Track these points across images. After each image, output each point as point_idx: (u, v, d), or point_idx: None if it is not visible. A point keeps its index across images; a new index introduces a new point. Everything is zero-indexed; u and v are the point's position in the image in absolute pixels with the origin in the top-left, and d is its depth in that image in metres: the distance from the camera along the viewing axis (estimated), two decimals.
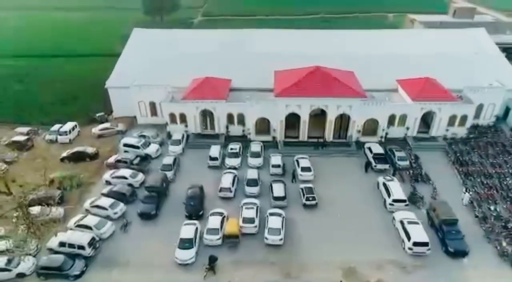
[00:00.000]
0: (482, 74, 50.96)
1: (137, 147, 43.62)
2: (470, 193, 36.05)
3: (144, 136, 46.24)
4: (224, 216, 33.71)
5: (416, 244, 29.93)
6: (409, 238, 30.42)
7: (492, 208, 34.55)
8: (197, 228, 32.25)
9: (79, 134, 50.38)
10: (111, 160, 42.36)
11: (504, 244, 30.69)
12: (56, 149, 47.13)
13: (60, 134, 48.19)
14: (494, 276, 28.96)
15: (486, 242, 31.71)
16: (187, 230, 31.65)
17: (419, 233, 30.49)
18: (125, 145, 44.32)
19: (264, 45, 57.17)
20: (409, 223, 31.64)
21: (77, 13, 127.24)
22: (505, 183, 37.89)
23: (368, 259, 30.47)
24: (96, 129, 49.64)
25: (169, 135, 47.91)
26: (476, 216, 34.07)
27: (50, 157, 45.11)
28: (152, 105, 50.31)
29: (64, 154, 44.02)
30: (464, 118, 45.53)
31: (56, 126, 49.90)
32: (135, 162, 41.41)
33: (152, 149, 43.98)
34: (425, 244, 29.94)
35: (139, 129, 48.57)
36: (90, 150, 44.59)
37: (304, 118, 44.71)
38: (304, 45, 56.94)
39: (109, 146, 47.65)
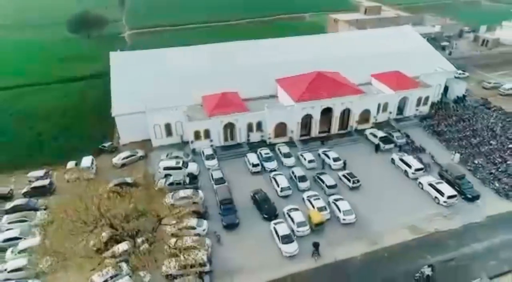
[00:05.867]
0: (422, 63, 64.96)
1: (179, 168, 45.40)
2: (457, 153, 48.18)
3: (177, 157, 47.91)
4: (300, 210, 39.19)
5: (449, 197, 40.09)
6: (442, 194, 40.44)
7: (476, 162, 47.06)
8: (286, 224, 37.21)
9: (97, 167, 49.05)
10: (160, 184, 43.51)
11: (497, 185, 42.99)
12: (84, 186, 45.40)
13: (83, 171, 46.45)
14: (500, 207, 40.78)
15: (484, 186, 43.69)
16: (282, 228, 36.38)
17: (448, 189, 40.77)
18: (165, 168, 45.59)
19: (249, 57, 62.23)
20: (437, 183, 41.75)
21: None
22: (473, 142, 51.17)
23: (419, 216, 39.51)
24: (118, 159, 49.03)
25: (194, 152, 50.39)
26: (469, 170, 46.13)
27: (85, 195, 43.58)
28: (168, 127, 51.78)
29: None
30: (427, 99, 58.44)
31: (70, 164, 47.85)
32: (187, 181, 43.49)
33: (194, 167, 46.24)
34: (455, 196, 40.33)
35: (166, 152, 49.79)
36: (129, 179, 44.56)
37: (316, 117, 52.04)
38: (283, 53, 64.03)
39: (139, 173, 47.71)
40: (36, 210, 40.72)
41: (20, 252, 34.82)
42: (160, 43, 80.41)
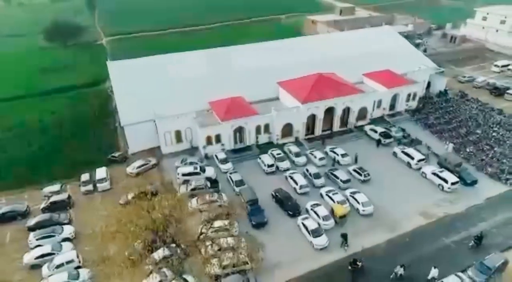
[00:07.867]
0: (406, 61, 69.69)
1: (198, 173, 46.48)
2: (451, 143, 52.76)
3: (191, 162, 48.92)
4: (321, 205, 41.73)
5: (452, 183, 44.19)
6: (446, 181, 44.48)
7: (468, 150, 51.81)
8: (313, 219, 39.62)
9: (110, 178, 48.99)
10: (183, 190, 44.50)
11: (489, 169, 47.77)
12: (103, 198, 45.56)
13: (99, 182, 46.49)
14: (496, 189, 45.43)
15: (478, 172, 48.31)
16: (311, 222, 38.74)
17: (451, 176, 44.87)
18: (184, 174, 46.50)
19: (247, 60, 63.74)
20: (440, 172, 45.78)
21: None
22: (461, 133, 56.06)
23: (428, 203, 43.32)
24: (132, 168, 49.29)
25: (206, 157, 51.61)
26: (463, 158, 50.73)
27: (111, 205, 43.36)
28: (178, 133, 52.59)
29: (126, 198, 43.45)
30: (415, 94, 63.01)
31: (85, 176, 47.58)
32: (208, 185, 44.78)
33: (211, 172, 47.48)
34: (457, 182, 44.51)
35: (176, 159, 50.64)
36: (149, 187, 45.05)
37: (320, 117, 54.86)
38: (278, 55, 66.13)
39: (154, 181, 48.40)
40: (61, 224, 40.43)
41: (57, 267, 34.72)
42: (141, 50, 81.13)
